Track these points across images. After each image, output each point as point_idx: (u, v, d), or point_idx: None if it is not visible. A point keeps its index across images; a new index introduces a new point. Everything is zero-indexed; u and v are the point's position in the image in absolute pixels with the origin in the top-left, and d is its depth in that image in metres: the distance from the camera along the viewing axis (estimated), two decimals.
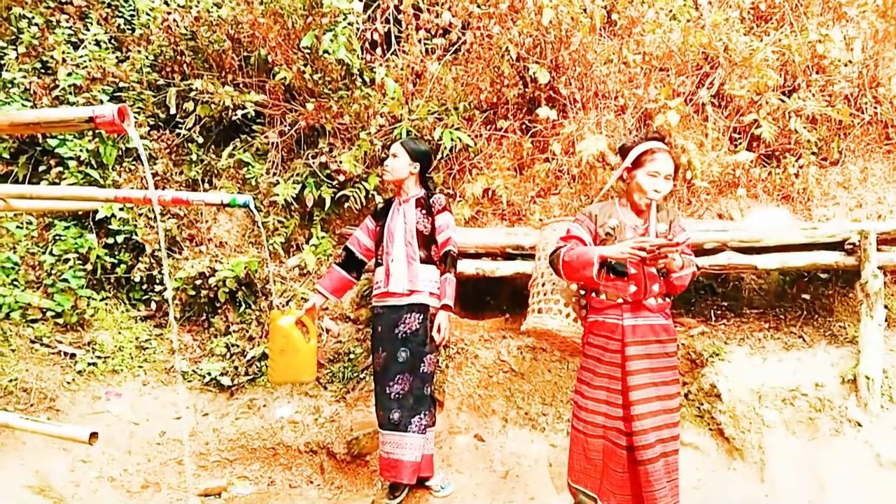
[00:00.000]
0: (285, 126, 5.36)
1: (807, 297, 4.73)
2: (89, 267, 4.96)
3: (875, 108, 5.14)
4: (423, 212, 3.90)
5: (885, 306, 4.12)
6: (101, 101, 5.07)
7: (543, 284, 3.51)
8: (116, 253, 5.15)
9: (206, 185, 5.51)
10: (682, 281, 3.18)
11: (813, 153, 5.10)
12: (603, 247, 3.18)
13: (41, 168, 5.09)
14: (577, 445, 3.35)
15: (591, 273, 3.09)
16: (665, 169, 3.20)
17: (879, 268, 4.09)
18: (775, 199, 5.09)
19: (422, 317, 3.82)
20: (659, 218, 3.28)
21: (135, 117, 5.16)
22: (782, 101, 5.13)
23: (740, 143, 5.21)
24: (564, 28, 5.06)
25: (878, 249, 4.13)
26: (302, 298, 4.89)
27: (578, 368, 3.42)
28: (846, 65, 5.17)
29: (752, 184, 5.09)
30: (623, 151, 3.38)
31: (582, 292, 3.45)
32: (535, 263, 3.69)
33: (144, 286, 5.18)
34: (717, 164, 5.02)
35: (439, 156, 5.12)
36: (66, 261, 4.87)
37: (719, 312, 4.76)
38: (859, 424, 3.84)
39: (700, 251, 4.35)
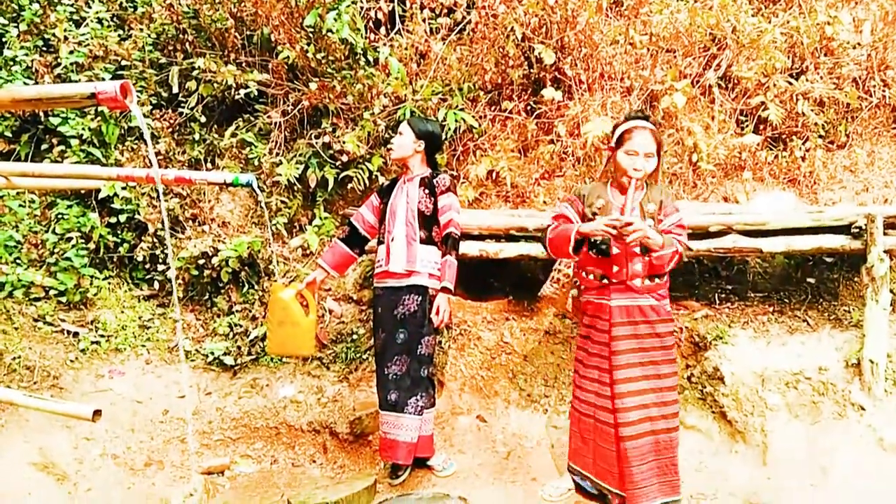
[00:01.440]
0: (288, 106, 5.32)
1: (812, 280, 4.71)
2: (92, 246, 4.96)
3: (883, 91, 5.10)
4: (427, 192, 3.86)
5: (891, 290, 4.10)
6: (104, 79, 5.03)
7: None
8: (119, 232, 5.14)
9: (209, 165, 5.49)
10: (661, 261, 3.20)
11: (820, 136, 5.06)
12: (581, 224, 3.30)
13: (43, 146, 5.07)
14: (574, 425, 3.52)
15: (568, 249, 3.26)
16: (643, 147, 3.25)
17: (886, 252, 4.07)
18: (781, 182, 5.06)
19: (421, 298, 3.79)
20: (650, 197, 3.32)
21: (137, 96, 5.13)
22: (790, 83, 5.09)
23: (747, 126, 5.17)
24: (571, 8, 5.01)
25: (885, 233, 4.10)
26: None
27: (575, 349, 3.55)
28: (855, 47, 5.13)
29: (759, 167, 5.06)
30: (613, 132, 3.48)
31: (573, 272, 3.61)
32: None
33: (147, 265, 5.18)
34: (723, 147, 4.98)
35: (443, 137, 5.09)
36: (69, 239, 4.86)
37: (723, 296, 4.74)
38: (863, 408, 3.84)
39: (705, 234, 4.33)
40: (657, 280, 3.30)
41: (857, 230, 4.15)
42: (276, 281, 4.60)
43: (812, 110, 5.00)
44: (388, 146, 4.00)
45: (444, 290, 3.77)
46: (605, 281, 3.31)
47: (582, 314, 3.50)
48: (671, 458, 3.31)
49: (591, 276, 3.38)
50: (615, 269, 3.28)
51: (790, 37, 5.17)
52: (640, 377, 3.25)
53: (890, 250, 4.14)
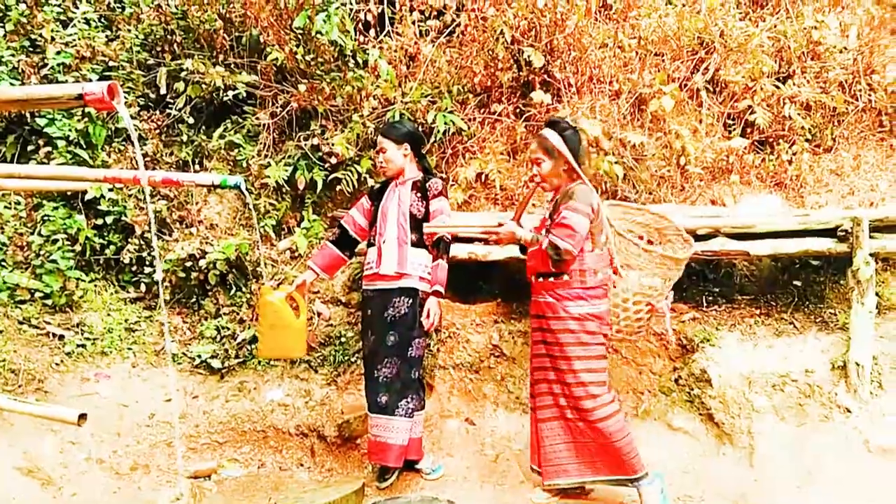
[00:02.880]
0: (277, 107, 5.30)
1: (798, 283, 4.74)
2: (78, 248, 4.91)
3: (869, 95, 5.15)
4: (419, 195, 3.87)
5: (877, 293, 4.14)
6: (91, 80, 4.99)
7: None
8: (105, 234, 5.09)
9: (197, 167, 5.46)
10: (530, 260, 3.48)
11: (806, 140, 5.10)
12: None
13: (29, 148, 5.02)
14: None
15: None
16: (532, 154, 3.52)
17: (871, 255, 4.11)
18: (768, 185, 5.10)
19: (411, 301, 3.79)
20: (557, 200, 3.49)
21: (125, 97, 5.10)
22: (777, 87, 5.13)
23: (734, 130, 5.20)
24: (559, 11, 5.02)
25: (871, 236, 4.14)
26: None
27: None
28: (841, 51, 5.17)
29: (746, 170, 5.09)
30: None
31: None
32: None
33: (134, 268, 5.13)
34: (710, 151, 5.02)
35: (432, 139, 5.09)
36: (55, 241, 4.82)
37: (711, 298, 4.76)
38: (848, 411, 3.86)
39: (693, 237, 4.34)
40: (552, 279, 3.41)
41: (843, 233, 4.19)
42: (264, 283, 4.58)
43: (799, 114, 5.05)
44: (380, 166, 3.98)
45: (436, 293, 3.78)
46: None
47: None
48: (604, 443, 3.33)
49: None
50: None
51: (777, 41, 5.22)
52: (548, 367, 3.44)
53: (875, 253, 4.17)
